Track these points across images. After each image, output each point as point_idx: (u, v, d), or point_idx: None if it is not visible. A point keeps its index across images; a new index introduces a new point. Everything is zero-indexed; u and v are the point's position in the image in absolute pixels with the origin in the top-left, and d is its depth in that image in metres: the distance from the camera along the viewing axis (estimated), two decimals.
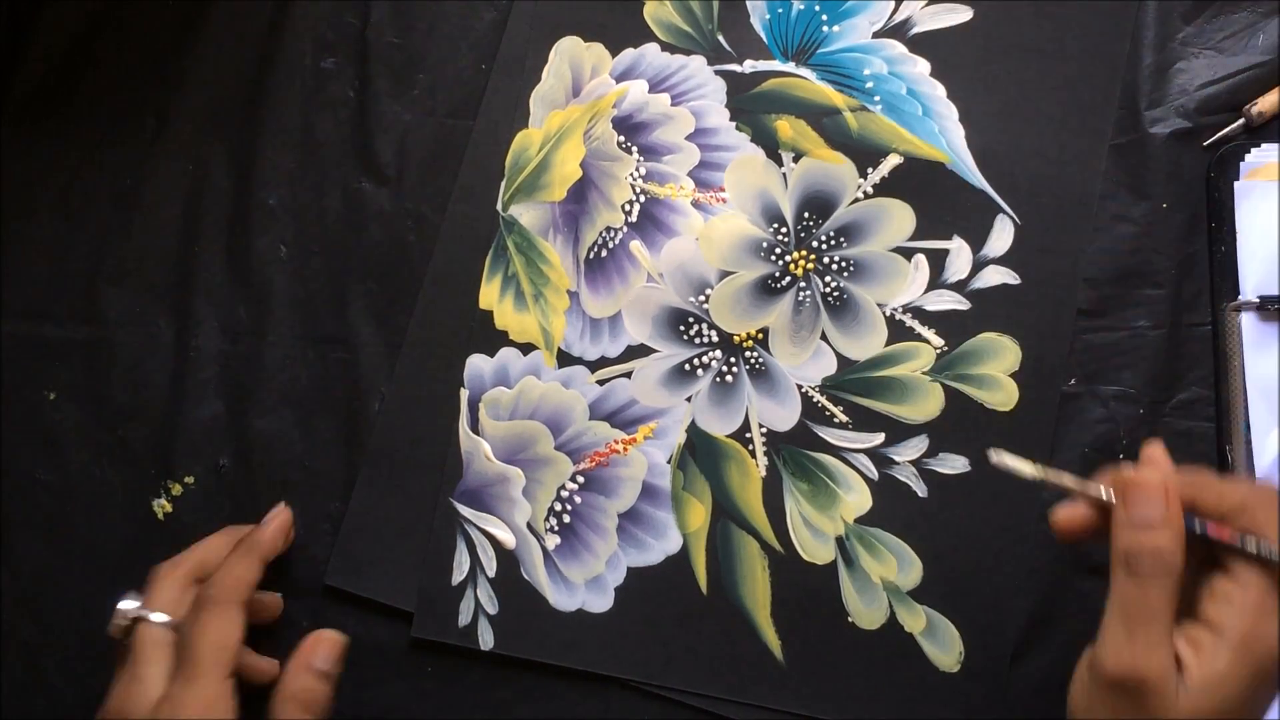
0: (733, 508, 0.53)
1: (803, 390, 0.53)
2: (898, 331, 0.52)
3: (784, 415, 0.53)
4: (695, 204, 0.53)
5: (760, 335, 0.53)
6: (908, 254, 0.52)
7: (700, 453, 0.53)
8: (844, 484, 0.52)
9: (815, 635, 0.52)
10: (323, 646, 0.49)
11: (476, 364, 0.54)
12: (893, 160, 0.53)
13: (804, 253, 0.53)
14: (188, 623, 0.48)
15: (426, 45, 0.56)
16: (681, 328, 0.53)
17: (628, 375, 0.53)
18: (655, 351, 0.53)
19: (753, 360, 0.53)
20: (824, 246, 0.53)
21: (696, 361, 0.53)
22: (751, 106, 0.53)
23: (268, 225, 0.56)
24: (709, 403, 0.53)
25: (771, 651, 0.52)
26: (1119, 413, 0.52)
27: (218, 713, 0.46)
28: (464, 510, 0.53)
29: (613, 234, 0.54)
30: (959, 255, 0.52)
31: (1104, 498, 0.41)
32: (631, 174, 0.54)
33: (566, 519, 0.53)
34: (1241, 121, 0.52)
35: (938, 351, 0.52)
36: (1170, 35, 0.53)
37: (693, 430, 0.53)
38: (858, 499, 0.52)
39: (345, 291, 0.56)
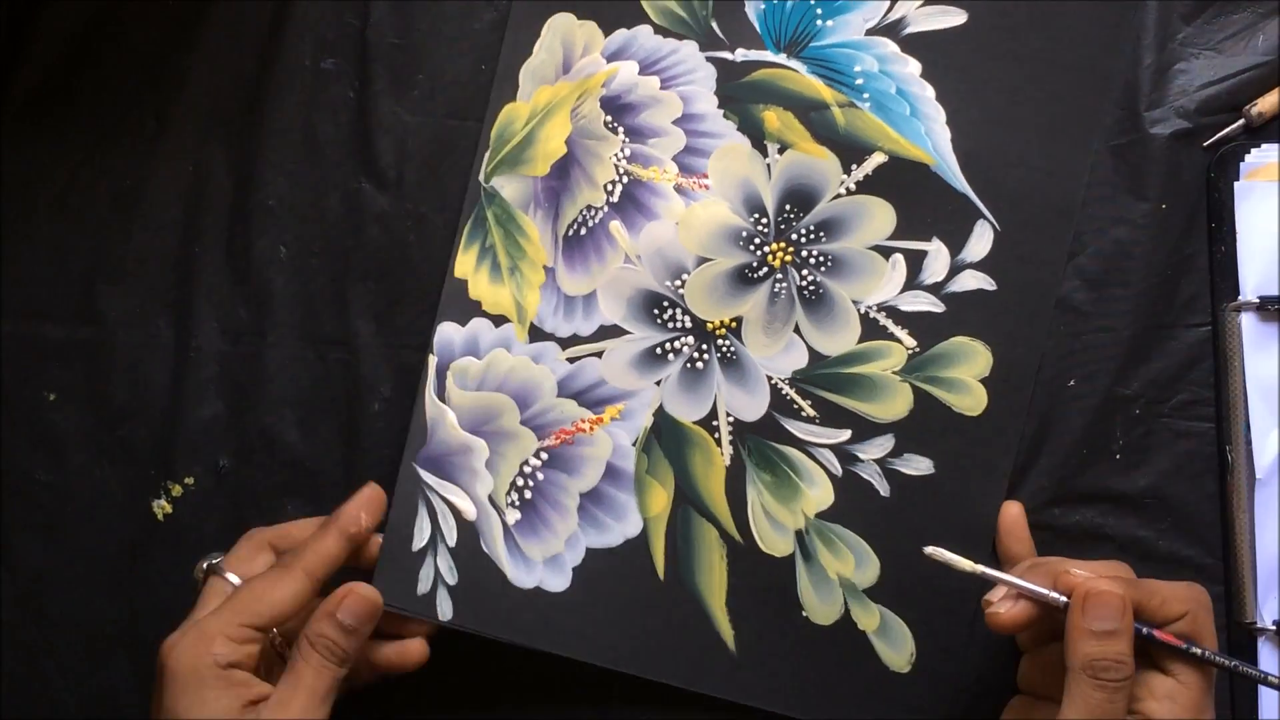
0: (695, 495, 0.53)
1: (772, 382, 0.53)
2: (871, 329, 0.52)
3: (752, 405, 0.53)
4: (678, 188, 0.53)
5: (734, 324, 0.53)
6: (886, 253, 0.52)
7: (666, 437, 0.53)
8: (807, 478, 0.52)
9: (769, 627, 0.52)
10: (349, 600, 0.48)
11: (447, 332, 0.54)
12: (877, 159, 0.52)
13: (783, 245, 0.53)
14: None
15: (426, 45, 0.55)
16: (655, 311, 0.53)
17: (598, 355, 0.53)
18: (628, 333, 0.53)
19: (724, 348, 0.53)
20: (803, 240, 0.53)
21: (668, 346, 0.53)
22: (740, 95, 0.53)
23: (268, 225, 0.56)
24: (678, 388, 0.53)
25: (724, 641, 0.52)
26: (1118, 413, 0.52)
27: (215, 645, 0.46)
28: (426, 476, 0.53)
29: (593, 213, 0.53)
30: (937, 257, 0.52)
31: (1058, 604, 0.44)
32: (616, 154, 0.53)
33: (528, 495, 0.53)
34: (1241, 122, 0.51)
35: (909, 352, 0.52)
36: (1170, 35, 0.52)
37: (660, 414, 0.53)
38: (820, 494, 0.52)
39: (345, 292, 0.55)
